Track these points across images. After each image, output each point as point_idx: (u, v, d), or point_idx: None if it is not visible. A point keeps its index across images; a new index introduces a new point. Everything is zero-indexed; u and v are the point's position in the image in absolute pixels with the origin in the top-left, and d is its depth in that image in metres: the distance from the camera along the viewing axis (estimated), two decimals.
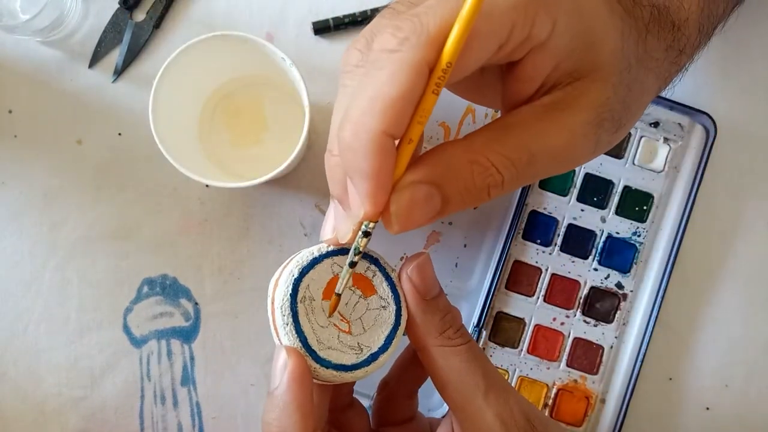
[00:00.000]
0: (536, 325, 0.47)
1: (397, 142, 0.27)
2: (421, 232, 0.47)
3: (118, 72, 0.48)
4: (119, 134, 0.48)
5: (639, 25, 0.32)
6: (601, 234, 0.47)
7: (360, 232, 0.29)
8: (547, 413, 0.47)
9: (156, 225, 0.48)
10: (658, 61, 0.33)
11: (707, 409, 0.48)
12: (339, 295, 0.31)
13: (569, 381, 0.47)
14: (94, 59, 0.48)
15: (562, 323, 0.47)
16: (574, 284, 0.47)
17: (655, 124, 0.47)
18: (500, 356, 0.47)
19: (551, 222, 0.47)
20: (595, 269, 0.47)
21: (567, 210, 0.47)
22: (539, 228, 0.47)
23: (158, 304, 0.48)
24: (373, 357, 0.31)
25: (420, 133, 0.27)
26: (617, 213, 0.47)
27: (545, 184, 0.47)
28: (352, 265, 0.30)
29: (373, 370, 0.31)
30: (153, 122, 0.40)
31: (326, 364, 0.30)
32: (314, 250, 0.32)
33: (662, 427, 0.48)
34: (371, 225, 0.29)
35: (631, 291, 0.47)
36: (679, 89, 0.47)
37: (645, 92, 0.33)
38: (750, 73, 0.49)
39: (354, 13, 0.48)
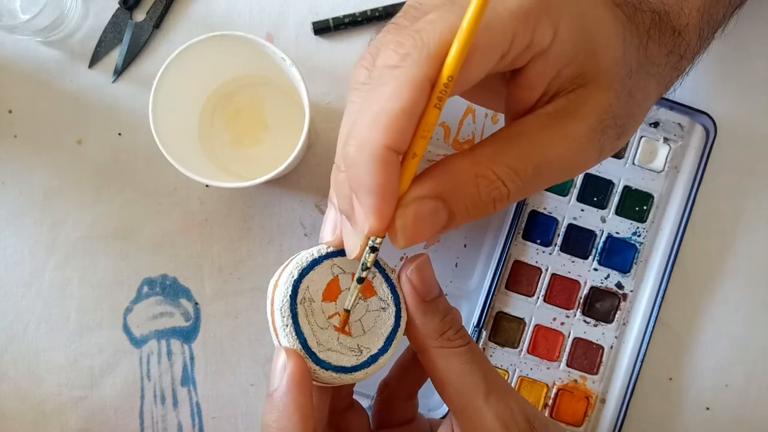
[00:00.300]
0: (536, 325, 0.47)
1: (401, 157, 0.27)
2: None
3: (118, 72, 0.48)
4: (119, 134, 0.48)
5: (640, 31, 0.32)
6: (601, 234, 0.47)
7: (367, 248, 0.29)
8: (547, 413, 0.47)
9: (156, 225, 0.48)
10: (660, 66, 0.33)
11: (707, 409, 0.48)
12: (348, 311, 0.31)
13: (569, 381, 0.47)
14: (94, 59, 0.48)
15: (562, 323, 0.47)
16: (574, 284, 0.47)
17: (655, 124, 0.47)
18: (500, 356, 0.47)
19: (551, 222, 0.47)
20: (595, 269, 0.47)
21: (567, 210, 0.47)
22: (539, 228, 0.47)
23: (158, 304, 0.48)
24: (373, 359, 0.31)
25: (424, 147, 0.27)
26: (617, 213, 0.47)
27: None
28: (360, 281, 0.30)
29: (373, 372, 0.31)
30: (153, 122, 0.40)
31: (326, 365, 0.30)
32: (314, 252, 0.31)
33: (662, 427, 0.48)
34: (378, 240, 0.29)
35: (631, 291, 0.47)
36: (679, 89, 0.47)
37: (646, 98, 0.33)
38: (750, 73, 0.49)
39: (354, 13, 0.48)
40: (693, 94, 0.48)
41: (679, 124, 0.47)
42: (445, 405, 0.43)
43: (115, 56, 0.48)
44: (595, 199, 0.47)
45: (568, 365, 0.47)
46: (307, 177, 0.48)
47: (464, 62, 0.25)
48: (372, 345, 0.31)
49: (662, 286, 0.46)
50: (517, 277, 0.47)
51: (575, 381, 0.47)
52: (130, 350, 0.48)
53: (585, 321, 0.47)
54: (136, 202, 0.48)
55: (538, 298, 0.47)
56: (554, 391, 0.47)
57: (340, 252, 0.32)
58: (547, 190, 0.47)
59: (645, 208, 0.47)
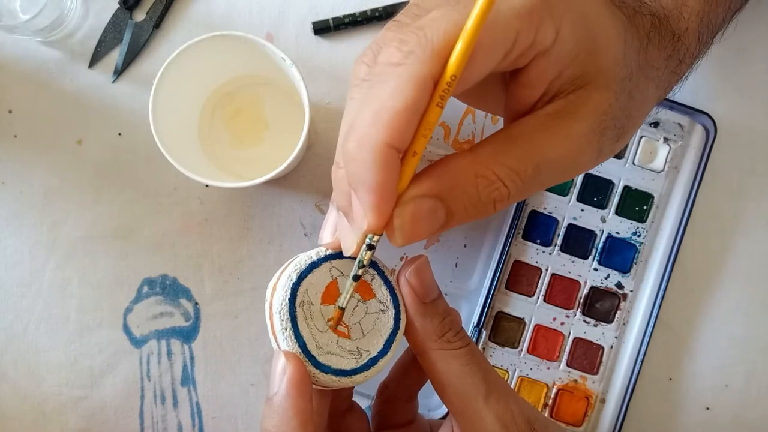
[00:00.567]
0: (536, 325, 0.47)
1: (401, 155, 0.27)
2: None
3: (118, 72, 0.48)
4: (119, 134, 0.48)
5: (640, 33, 0.32)
6: (601, 234, 0.47)
7: (364, 245, 0.29)
8: (547, 413, 0.47)
9: (156, 225, 0.48)
10: (659, 70, 0.33)
11: (707, 409, 0.48)
12: (342, 309, 0.31)
13: (569, 381, 0.47)
14: (94, 59, 0.48)
15: (562, 323, 0.47)
16: (574, 284, 0.47)
17: (655, 124, 0.47)
18: (500, 356, 0.47)
19: (551, 222, 0.47)
20: (595, 269, 0.47)
21: (567, 210, 0.47)
22: (539, 228, 0.47)
23: (158, 304, 0.48)
24: (373, 361, 0.31)
25: (424, 145, 0.27)
26: (617, 213, 0.47)
27: None
28: (356, 278, 0.30)
29: (373, 375, 0.31)
30: (153, 122, 0.40)
31: (325, 369, 0.30)
32: (312, 254, 0.31)
33: (662, 427, 0.48)
34: (375, 238, 0.28)
35: (631, 291, 0.47)
36: (680, 90, 0.47)
37: (645, 101, 0.33)
38: (750, 73, 0.49)
39: (354, 13, 0.48)
40: (693, 94, 0.48)
41: (679, 124, 0.47)
42: (445, 405, 0.43)
43: (115, 56, 0.48)
44: (595, 199, 0.47)
45: (568, 365, 0.47)
46: (307, 177, 0.48)
47: (468, 60, 0.25)
48: (371, 348, 0.31)
49: (662, 286, 0.46)
50: (517, 277, 0.47)
51: (575, 381, 0.47)
52: (130, 350, 0.48)
53: (585, 321, 0.47)
54: (136, 202, 0.48)
55: (538, 298, 0.47)
56: (554, 391, 0.47)
57: (339, 255, 0.32)
58: (547, 190, 0.47)
59: (645, 208, 0.47)
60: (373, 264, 0.32)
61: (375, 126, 0.25)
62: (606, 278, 0.47)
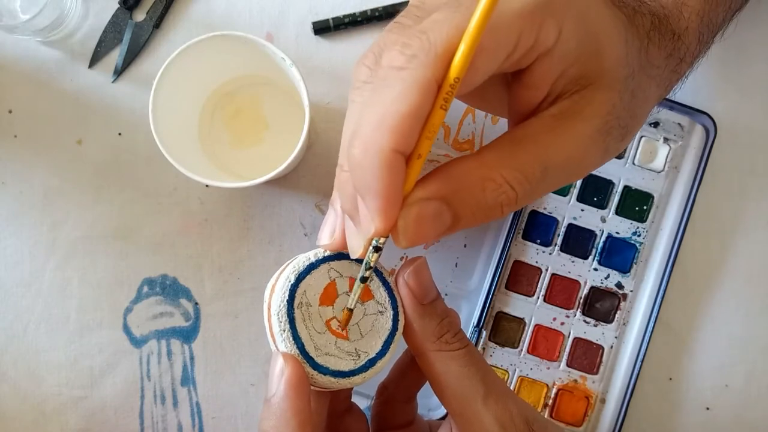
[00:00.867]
0: (536, 325, 0.47)
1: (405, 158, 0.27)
2: None
3: (118, 72, 0.48)
4: (119, 134, 0.48)
5: (640, 33, 0.32)
6: (601, 234, 0.47)
7: (371, 248, 0.29)
8: (547, 413, 0.47)
9: (156, 225, 0.48)
10: (660, 69, 0.33)
11: (707, 409, 0.48)
12: (351, 310, 0.31)
13: (569, 381, 0.47)
14: (94, 59, 0.48)
15: (562, 323, 0.47)
16: (574, 284, 0.47)
17: (655, 124, 0.47)
18: (500, 356, 0.47)
19: (551, 222, 0.47)
20: (595, 269, 0.47)
21: (567, 210, 0.47)
22: (539, 228, 0.47)
23: (158, 304, 0.48)
24: (371, 363, 0.31)
25: (429, 148, 0.27)
26: (617, 213, 0.47)
27: None
28: (364, 280, 0.30)
29: (371, 376, 0.31)
30: (153, 122, 0.40)
31: (324, 370, 0.30)
32: (311, 255, 0.31)
33: (662, 427, 0.48)
34: (382, 240, 0.28)
35: (631, 291, 0.47)
36: (680, 90, 0.47)
37: (647, 100, 0.33)
38: (750, 73, 0.49)
39: (354, 13, 0.48)
40: (693, 94, 0.48)
41: (679, 124, 0.47)
42: (443, 407, 0.43)
43: (115, 56, 0.48)
44: (595, 199, 0.47)
45: (568, 365, 0.47)
46: (307, 177, 0.48)
47: (471, 62, 0.25)
48: (370, 349, 0.31)
49: (662, 286, 0.46)
50: (517, 277, 0.47)
51: (575, 381, 0.47)
52: (130, 350, 0.48)
53: (585, 321, 0.47)
54: (136, 202, 0.48)
55: (538, 298, 0.47)
56: (554, 391, 0.47)
57: (337, 256, 0.32)
58: None
59: (645, 208, 0.47)
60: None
61: (380, 131, 0.25)
62: (606, 278, 0.47)
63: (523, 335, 0.47)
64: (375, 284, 0.32)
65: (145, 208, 0.48)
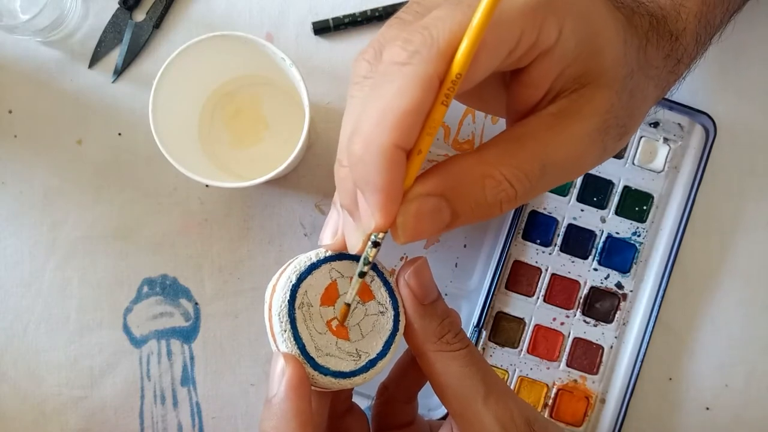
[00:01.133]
0: (536, 325, 0.47)
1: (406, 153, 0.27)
2: None
3: (118, 72, 0.48)
4: (119, 134, 0.48)
5: (639, 33, 0.32)
6: (601, 234, 0.47)
7: (369, 243, 0.29)
8: (547, 413, 0.47)
9: (156, 225, 0.48)
10: (658, 69, 0.33)
11: (707, 409, 0.48)
12: (349, 305, 0.31)
13: (569, 381, 0.47)
14: (94, 59, 0.48)
15: (562, 323, 0.47)
16: (574, 284, 0.47)
17: (655, 124, 0.47)
18: (500, 356, 0.47)
19: (551, 222, 0.47)
20: (595, 269, 0.47)
21: (567, 210, 0.47)
22: (539, 228, 0.47)
23: (158, 304, 0.48)
24: (372, 363, 0.31)
25: (429, 144, 0.27)
26: (617, 213, 0.47)
27: None
28: (362, 275, 0.30)
29: (372, 377, 0.31)
30: (153, 122, 0.40)
31: (324, 371, 0.30)
32: (312, 256, 0.31)
33: (662, 427, 0.48)
34: (381, 235, 0.28)
35: (631, 291, 0.47)
36: (679, 90, 0.47)
37: (645, 100, 0.33)
38: (749, 73, 0.49)
39: (354, 13, 0.48)
40: (693, 94, 0.48)
41: (679, 124, 0.47)
42: (444, 407, 0.43)
43: (115, 56, 0.48)
44: (595, 199, 0.47)
45: (568, 365, 0.47)
46: (307, 177, 0.48)
47: (473, 59, 0.25)
48: (370, 349, 0.31)
49: (662, 286, 0.46)
50: (517, 277, 0.47)
51: (575, 381, 0.47)
52: (130, 350, 0.48)
53: (585, 321, 0.47)
54: (136, 202, 0.48)
55: (538, 298, 0.47)
56: (554, 391, 0.47)
57: (339, 256, 0.32)
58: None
59: (645, 208, 0.47)
60: (372, 266, 0.32)
61: (381, 127, 0.25)
62: (606, 278, 0.47)
63: (523, 335, 0.47)
64: (376, 284, 0.32)
65: (145, 208, 0.48)
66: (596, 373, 0.47)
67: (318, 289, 0.31)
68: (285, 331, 0.30)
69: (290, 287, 0.30)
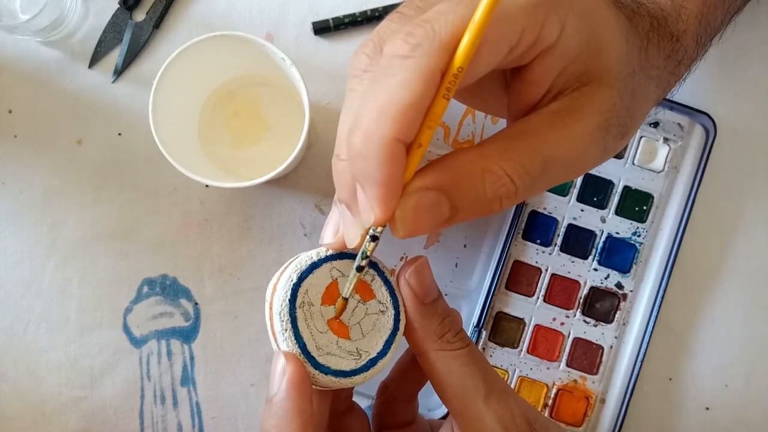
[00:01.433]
0: (536, 325, 0.47)
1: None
2: None
3: (118, 72, 0.48)
4: (119, 134, 0.48)
5: (640, 34, 0.32)
6: (601, 234, 0.47)
7: (368, 237, 0.29)
8: (547, 413, 0.47)
9: (156, 225, 0.48)
10: (659, 69, 0.33)
11: (707, 409, 0.48)
12: (346, 300, 0.31)
13: (569, 381, 0.47)
14: (94, 59, 0.48)
15: (562, 323, 0.47)
16: (574, 284, 0.47)
17: (655, 124, 0.47)
18: (500, 356, 0.47)
19: (551, 222, 0.47)
20: (595, 269, 0.47)
21: (567, 210, 0.47)
22: (539, 228, 0.47)
23: (158, 304, 0.48)
24: (372, 362, 0.31)
25: (429, 137, 0.27)
26: (617, 213, 0.47)
27: None
28: (360, 269, 0.30)
29: (372, 376, 0.31)
30: (153, 122, 0.40)
31: (325, 370, 0.30)
32: (313, 255, 0.31)
33: (662, 427, 0.48)
34: (379, 230, 0.28)
35: (631, 291, 0.47)
36: (680, 89, 0.47)
37: (646, 99, 0.33)
38: (750, 73, 0.49)
39: (354, 13, 0.48)
40: (693, 94, 0.48)
41: (679, 124, 0.47)
42: (444, 406, 0.43)
43: (115, 56, 0.48)
44: (595, 199, 0.47)
45: (568, 365, 0.47)
46: (307, 177, 0.48)
47: (474, 54, 0.25)
48: (371, 348, 0.31)
49: (662, 286, 0.46)
50: (517, 277, 0.47)
51: (575, 381, 0.47)
52: (130, 350, 0.48)
53: (585, 321, 0.47)
54: (136, 202, 0.48)
55: (538, 298, 0.47)
56: (554, 391, 0.47)
57: (340, 255, 0.32)
58: (547, 190, 0.47)
59: (645, 208, 0.47)
60: (373, 265, 0.32)
61: (382, 120, 0.25)
62: (606, 278, 0.47)
63: (523, 335, 0.47)
64: (377, 284, 0.32)
65: (145, 208, 0.48)
66: (596, 373, 0.47)
67: (319, 288, 0.31)
68: (286, 330, 0.30)
69: (291, 286, 0.30)
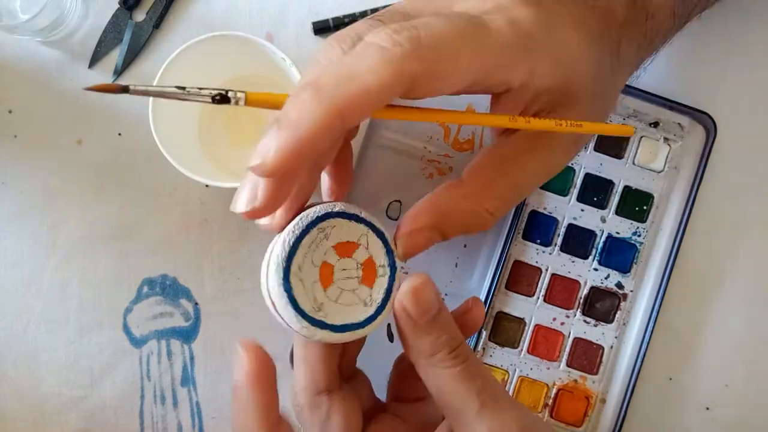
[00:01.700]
0: (536, 325, 0.47)
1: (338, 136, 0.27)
2: None
3: (118, 72, 0.48)
4: (119, 134, 0.48)
5: (612, 33, 0.33)
6: (601, 234, 0.47)
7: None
8: (547, 413, 0.47)
9: (156, 225, 0.48)
10: (630, 62, 0.35)
11: (707, 409, 0.48)
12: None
13: (569, 381, 0.47)
14: (94, 59, 0.48)
15: (562, 323, 0.47)
16: (574, 284, 0.47)
17: (655, 124, 0.47)
18: (500, 356, 0.47)
19: (551, 222, 0.47)
20: (595, 269, 0.47)
21: (567, 210, 0.47)
22: (539, 228, 0.47)
23: (158, 304, 0.48)
24: (379, 311, 0.30)
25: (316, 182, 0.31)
26: (617, 213, 0.47)
27: (545, 185, 0.47)
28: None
29: (382, 321, 0.30)
30: (153, 122, 0.40)
31: (324, 325, 0.29)
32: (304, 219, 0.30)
33: (662, 427, 0.48)
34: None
35: (631, 291, 0.47)
36: (679, 89, 0.47)
37: (616, 92, 0.36)
38: (750, 73, 0.49)
39: (354, 13, 0.48)
40: (693, 93, 0.48)
41: (679, 124, 0.47)
42: None
43: (115, 56, 0.48)
44: (595, 199, 0.47)
45: (568, 365, 0.47)
46: None
47: (441, 77, 0.26)
48: (376, 295, 0.31)
49: (662, 286, 0.46)
50: (517, 277, 0.47)
51: (575, 381, 0.47)
52: (130, 350, 0.48)
53: (585, 321, 0.47)
54: (136, 202, 0.48)
55: (538, 298, 0.47)
56: (554, 391, 0.47)
57: (326, 215, 0.30)
58: (547, 190, 0.47)
59: (645, 208, 0.47)
60: (369, 224, 0.31)
61: (338, 89, 0.24)
62: (606, 278, 0.47)
63: (523, 335, 0.47)
64: (376, 246, 0.31)
65: (145, 208, 0.48)
66: (596, 373, 0.47)
67: (315, 254, 0.30)
68: (282, 304, 0.29)
69: (283, 260, 0.29)
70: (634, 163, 0.47)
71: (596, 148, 0.47)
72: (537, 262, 0.47)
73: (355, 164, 0.47)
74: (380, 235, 0.31)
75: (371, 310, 0.31)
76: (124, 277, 0.48)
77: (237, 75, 0.46)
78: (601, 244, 0.47)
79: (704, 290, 0.48)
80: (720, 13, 0.46)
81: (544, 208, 0.47)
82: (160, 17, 0.48)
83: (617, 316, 0.47)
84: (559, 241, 0.47)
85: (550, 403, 0.47)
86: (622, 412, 0.46)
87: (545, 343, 0.47)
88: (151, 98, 0.40)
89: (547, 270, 0.47)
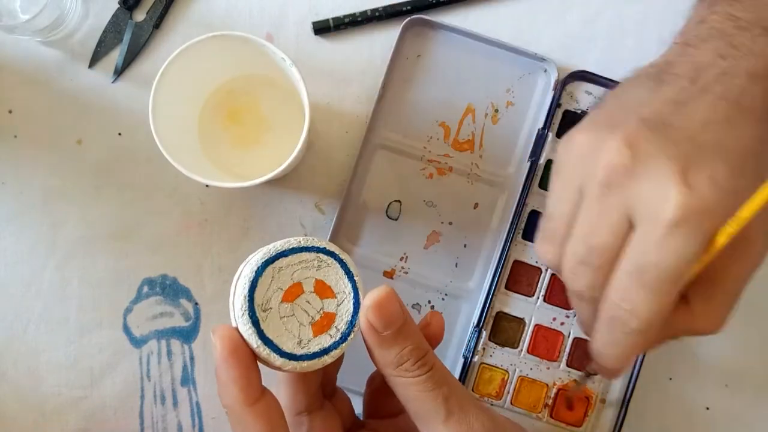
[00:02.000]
0: (536, 325, 0.47)
1: None
2: (421, 231, 0.47)
3: (118, 72, 0.48)
4: (119, 134, 0.48)
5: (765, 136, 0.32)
6: None
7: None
8: (547, 413, 0.47)
9: (156, 225, 0.48)
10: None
11: (707, 409, 0.48)
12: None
13: (569, 381, 0.47)
14: (94, 59, 0.48)
15: (562, 323, 0.47)
16: None
17: None
18: (500, 356, 0.47)
19: None
20: None
21: None
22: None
23: (158, 304, 0.48)
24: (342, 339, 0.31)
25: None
26: None
27: (546, 185, 0.47)
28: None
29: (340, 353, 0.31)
30: (153, 122, 0.40)
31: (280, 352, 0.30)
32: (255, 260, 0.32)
33: (662, 427, 0.48)
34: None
35: None
36: None
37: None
38: None
39: (354, 13, 0.48)
40: None
41: None
42: None
43: (115, 56, 0.48)
44: None
45: (568, 365, 0.47)
46: (307, 177, 0.48)
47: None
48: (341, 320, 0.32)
49: None
50: (517, 277, 0.47)
51: (575, 381, 0.47)
52: (130, 350, 0.48)
53: None
54: (136, 202, 0.48)
55: (538, 298, 0.47)
56: (554, 391, 0.47)
57: (286, 252, 0.32)
58: (547, 190, 0.47)
59: None
60: (331, 254, 0.32)
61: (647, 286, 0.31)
62: None
63: (523, 335, 0.47)
64: (334, 276, 0.32)
65: (145, 208, 0.48)
66: (596, 373, 0.47)
67: (278, 286, 0.32)
68: (246, 323, 0.31)
69: (247, 293, 0.32)
70: None
71: None
72: (537, 262, 0.47)
73: (355, 164, 0.47)
74: (339, 261, 0.32)
75: (338, 336, 0.31)
76: (124, 277, 0.48)
77: (237, 75, 0.46)
78: None
79: None
80: None
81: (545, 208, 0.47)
82: (160, 17, 0.48)
83: None
84: None
85: (550, 403, 0.47)
86: (622, 412, 0.46)
87: (545, 343, 0.47)
88: (151, 98, 0.40)
89: (547, 270, 0.47)
